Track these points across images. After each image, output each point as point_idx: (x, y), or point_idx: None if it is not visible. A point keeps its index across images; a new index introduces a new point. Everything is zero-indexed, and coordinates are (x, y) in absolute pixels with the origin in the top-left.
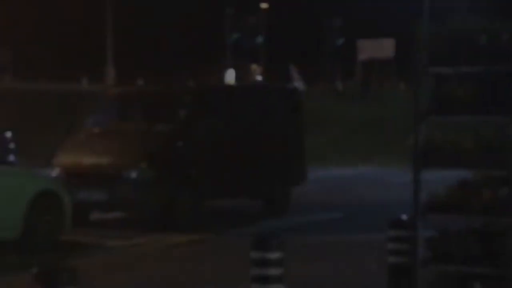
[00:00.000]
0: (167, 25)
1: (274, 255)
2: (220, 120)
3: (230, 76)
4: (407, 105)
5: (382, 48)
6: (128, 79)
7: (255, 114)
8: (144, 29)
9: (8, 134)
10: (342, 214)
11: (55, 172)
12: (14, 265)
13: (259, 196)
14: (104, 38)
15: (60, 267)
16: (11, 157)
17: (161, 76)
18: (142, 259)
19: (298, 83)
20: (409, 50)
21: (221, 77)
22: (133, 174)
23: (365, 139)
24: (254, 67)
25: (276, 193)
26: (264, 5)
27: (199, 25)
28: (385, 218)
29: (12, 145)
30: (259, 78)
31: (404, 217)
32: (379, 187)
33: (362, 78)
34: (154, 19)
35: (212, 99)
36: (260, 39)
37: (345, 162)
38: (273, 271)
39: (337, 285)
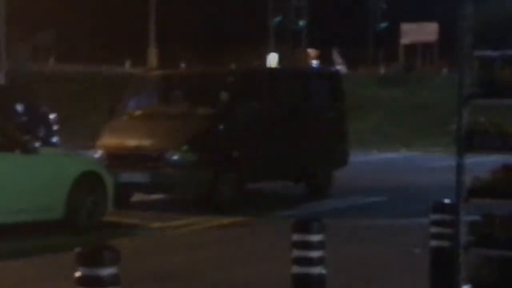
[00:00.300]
0: (209, 8)
1: (316, 238)
2: (262, 102)
3: (272, 59)
4: (450, 90)
5: (426, 32)
6: (170, 62)
7: (297, 97)
8: (187, 12)
9: (52, 116)
10: (384, 198)
11: (97, 154)
12: (58, 245)
13: (301, 179)
14: (147, 21)
15: (102, 246)
16: (55, 139)
17: (204, 59)
18: (183, 240)
19: (341, 67)
20: (453, 34)
21: (263, 60)
22: (175, 157)
23: (408, 124)
24: (309, 51)
25: (318, 176)
26: None
27: (242, 7)
28: (428, 202)
29: (55, 127)
30: (314, 62)
31: (447, 200)
32: (421, 172)
33: (405, 62)
34: (197, 2)
35: (254, 82)
36: (302, 23)
37: (388, 146)
38: (314, 254)
39: (379, 268)
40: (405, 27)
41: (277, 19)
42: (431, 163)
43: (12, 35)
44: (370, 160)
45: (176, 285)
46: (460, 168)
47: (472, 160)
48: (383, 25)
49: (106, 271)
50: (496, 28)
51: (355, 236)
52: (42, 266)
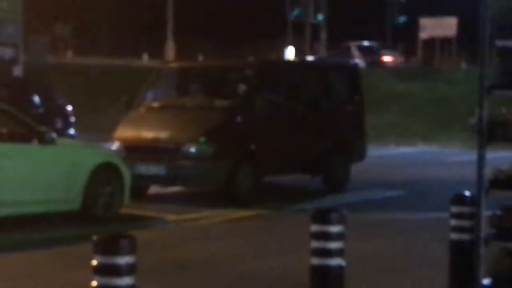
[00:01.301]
0: (227, 1)
1: (335, 229)
2: (280, 95)
3: (290, 53)
4: (469, 84)
5: (445, 26)
6: (188, 55)
7: (315, 90)
8: (205, 4)
9: (69, 108)
10: (402, 192)
11: (114, 146)
12: (75, 236)
13: (318, 172)
14: (165, 14)
15: (119, 235)
16: (72, 131)
17: (222, 52)
18: (200, 233)
19: (359, 61)
20: (472, 28)
21: (281, 53)
22: (192, 149)
23: (426, 118)
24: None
25: (335, 170)
26: None
27: (260, 1)
28: (446, 196)
29: (72, 119)
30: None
31: (467, 193)
32: (440, 166)
33: (424, 56)
34: None
35: (272, 75)
36: (320, 17)
37: (406, 140)
38: (333, 245)
39: (398, 261)
40: (424, 21)
41: (296, 12)
42: (449, 157)
43: (30, 27)
44: (387, 154)
45: (193, 276)
46: (481, 160)
47: (493, 155)
48: (402, 19)
49: (123, 260)
50: None
51: (373, 229)
52: (60, 257)
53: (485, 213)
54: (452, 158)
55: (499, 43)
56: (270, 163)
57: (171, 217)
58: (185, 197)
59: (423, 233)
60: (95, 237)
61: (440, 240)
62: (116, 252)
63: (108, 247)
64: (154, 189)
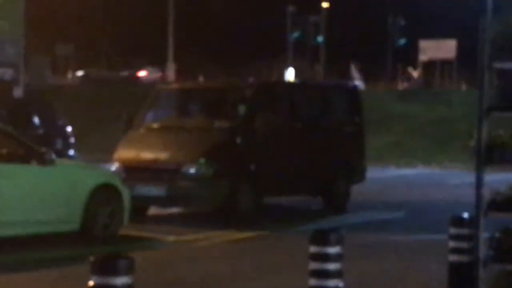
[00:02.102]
0: (228, 23)
1: (333, 250)
2: (280, 116)
3: (290, 74)
4: (469, 106)
5: (444, 49)
6: (189, 76)
7: (315, 111)
8: (206, 26)
9: (69, 129)
10: (402, 214)
11: (114, 167)
12: (73, 257)
13: (318, 193)
14: (166, 35)
15: (116, 255)
16: (71, 152)
17: (222, 72)
18: (199, 254)
19: (359, 82)
20: (471, 50)
21: (282, 74)
22: (192, 170)
23: (426, 140)
24: (411, 69)
25: (335, 191)
26: (325, 4)
27: (261, 23)
28: (445, 218)
29: (72, 140)
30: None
31: (466, 215)
32: (439, 188)
33: (424, 78)
34: (216, 17)
35: (272, 96)
36: (320, 39)
37: (406, 162)
38: (332, 266)
39: (396, 283)
40: (424, 44)
41: (296, 34)
42: (449, 179)
43: (31, 47)
44: (387, 176)
45: None
46: (479, 181)
47: (491, 177)
48: (402, 41)
49: (120, 280)
50: None
51: (372, 250)
52: (58, 277)
53: (484, 235)
54: (451, 179)
55: (498, 65)
56: (270, 183)
57: (170, 238)
58: (185, 218)
59: (423, 254)
60: (92, 258)
61: (439, 261)
62: (114, 272)
63: (106, 267)
64: (153, 210)
